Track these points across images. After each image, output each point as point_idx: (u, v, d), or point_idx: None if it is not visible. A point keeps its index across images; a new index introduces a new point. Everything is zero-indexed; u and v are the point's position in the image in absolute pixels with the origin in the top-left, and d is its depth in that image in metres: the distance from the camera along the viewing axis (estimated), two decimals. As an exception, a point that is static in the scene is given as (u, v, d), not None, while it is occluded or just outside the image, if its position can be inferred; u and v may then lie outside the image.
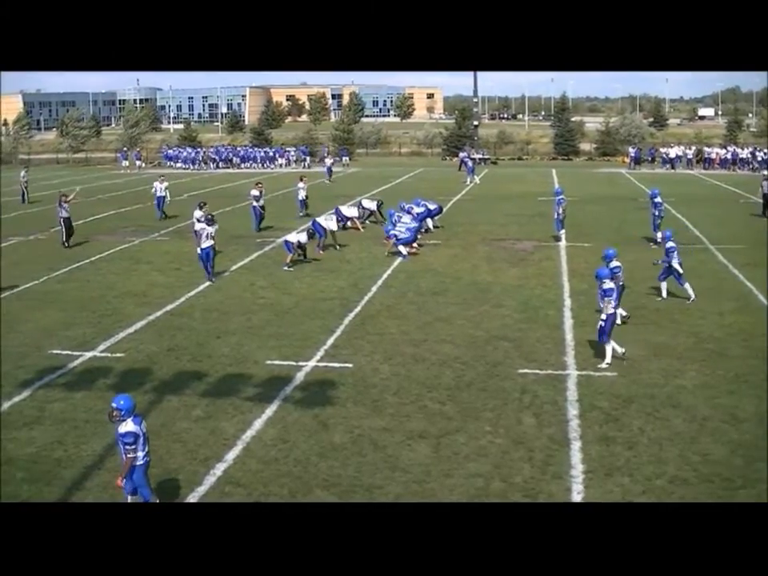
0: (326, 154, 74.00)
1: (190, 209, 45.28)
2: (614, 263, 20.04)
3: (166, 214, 41.67)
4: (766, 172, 40.24)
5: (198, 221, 28.92)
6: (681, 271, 22.61)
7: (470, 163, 63.05)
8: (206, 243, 25.77)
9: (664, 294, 22.92)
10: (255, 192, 36.96)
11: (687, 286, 22.71)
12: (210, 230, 26.02)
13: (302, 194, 41.31)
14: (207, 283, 25.64)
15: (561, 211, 32.50)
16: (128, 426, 11.36)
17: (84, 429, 14.84)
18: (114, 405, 11.56)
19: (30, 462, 13.52)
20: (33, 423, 15.13)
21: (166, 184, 42.61)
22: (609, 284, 17.74)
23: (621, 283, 19.54)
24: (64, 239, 33.69)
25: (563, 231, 32.86)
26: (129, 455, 11.33)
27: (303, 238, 28.30)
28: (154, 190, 42.66)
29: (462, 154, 73.37)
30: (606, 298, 17.59)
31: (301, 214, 40.67)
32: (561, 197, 32.76)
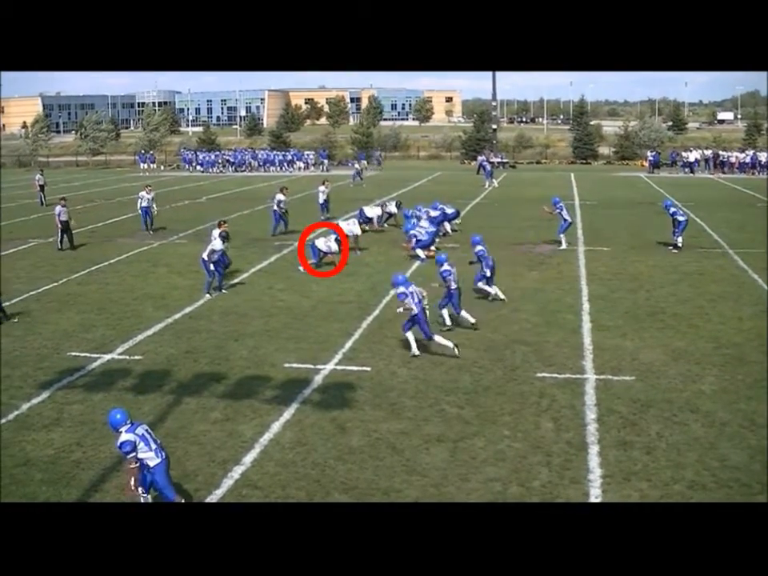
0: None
1: (208, 212, 45.52)
2: (479, 247, 23.42)
3: (153, 226, 38.67)
4: None
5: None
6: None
7: (488, 167, 63.06)
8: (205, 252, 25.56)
9: None
10: (281, 196, 36.61)
11: None
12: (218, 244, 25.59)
13: (321, 197, 41.11)
14: (226, 285, 25.67)
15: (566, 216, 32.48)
16: (122, 436, 11.43)
17: (102, 431, 14.83)
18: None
19: (49, 463, 13.57)
20: (51, 425, 15.19)
21: (153, 194, 39.16)
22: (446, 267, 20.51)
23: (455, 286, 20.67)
24: (59, 244, 33.91)
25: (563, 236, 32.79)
26: (130, 465, 11.42)
27: (334, 246, 28.52)
28: (139, 199, 39.05)
29: (480, 158, 73.27)
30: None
31: (322, 217, 40.51)
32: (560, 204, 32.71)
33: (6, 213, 47.64)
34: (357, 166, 66.45)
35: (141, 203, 38.63)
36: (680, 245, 30.53)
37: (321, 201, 41.29)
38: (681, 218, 31.38)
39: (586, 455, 13.39)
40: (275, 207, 36.59)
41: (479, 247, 23.35)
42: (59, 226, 34.01)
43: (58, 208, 34.34)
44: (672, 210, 31.97)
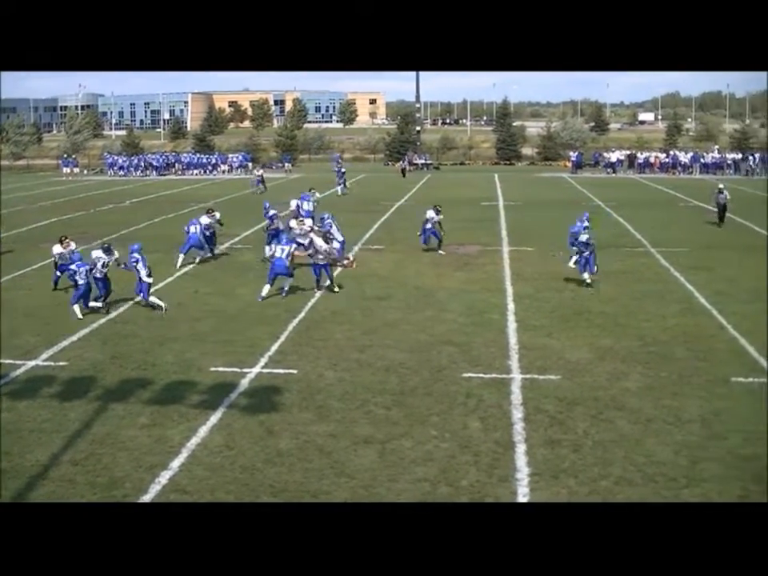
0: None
1: (133, 215, 45.16)
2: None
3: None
4: (721, 185, 40.37)
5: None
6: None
7: (341, 179, 59.48)
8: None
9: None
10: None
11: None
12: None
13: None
14: (152, 289, 25.45)
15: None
16: None
17: (28, 439, 14.69)
18: None
19: (-26, 473, 13.38)
20: (-25, 434, 14.98)
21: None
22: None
23: None
24: None
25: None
26: None
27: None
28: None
29: (400, 164, 73.71)
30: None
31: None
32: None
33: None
34: (256, 172, 64.43)
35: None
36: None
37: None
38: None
39: (514, 454, 13.51)
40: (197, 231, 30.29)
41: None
42: None
43: None
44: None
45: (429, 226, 31.77)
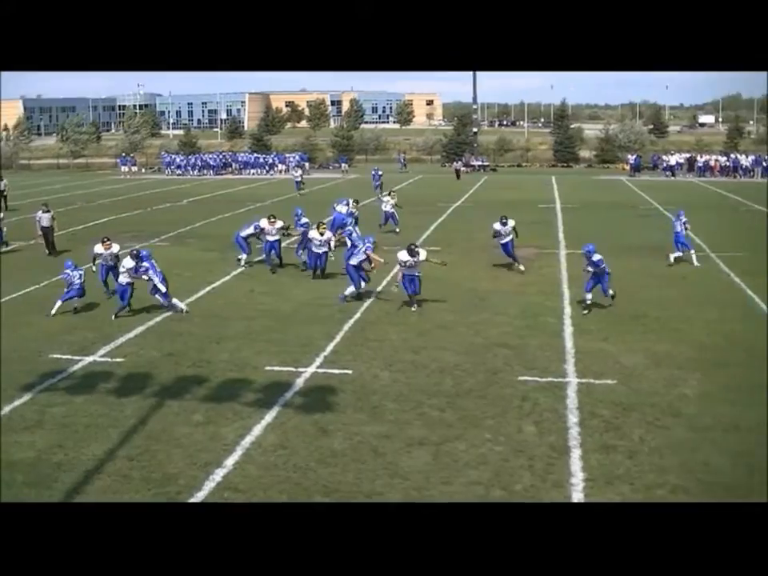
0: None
1: (189, 215, 45.48)
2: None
3: (55, 248, 33.92)
4: None
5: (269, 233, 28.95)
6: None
7: (377, 181, 57.18)
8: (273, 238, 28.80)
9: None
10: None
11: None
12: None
13: (387, 207, 38.01)
14: (208, 288, 25.67)
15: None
16: None
17: (84, 433, 14.83)
18: None
19: (31, 465, 13.51)
20: (34, 427, 15.13)
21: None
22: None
23: None
24: (47, 249, 33.57)
25: None
26: None
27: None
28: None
29: (455, 165, 73.26)
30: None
31: (382, 223, 38.00)
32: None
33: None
34: (294, 173, 63.78)
35: (42, 223, 34.05)
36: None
37: (386, 210, 38.04)
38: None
39: (568, 459, 13.39)
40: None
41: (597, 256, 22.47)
42: (39, 232, 33.73)
43: (39, 214, 33.99)
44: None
45: (503, 241, 28.43)
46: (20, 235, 36.38)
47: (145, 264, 22.75)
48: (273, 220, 28.74)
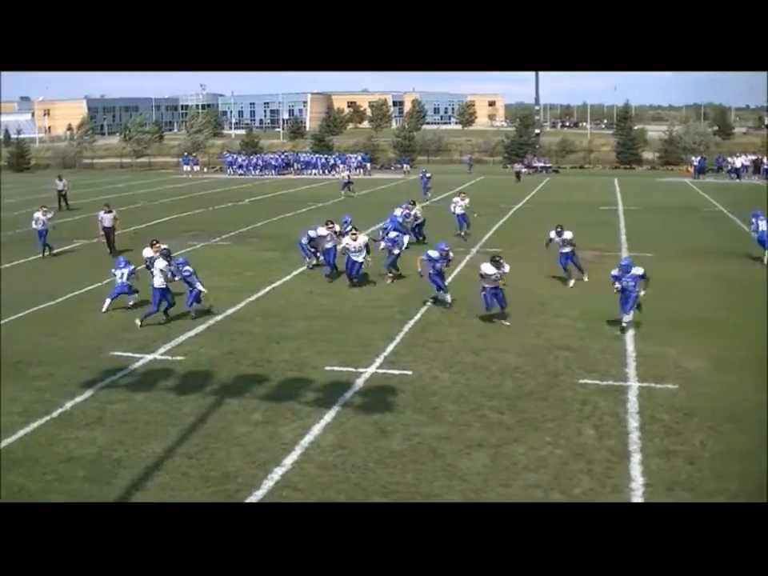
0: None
1: (251, 214, 45.72)
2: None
3: (51, 248, 33.80)
4: None
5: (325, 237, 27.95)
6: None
7: (427, 183, 55.41)
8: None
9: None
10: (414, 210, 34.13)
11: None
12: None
13: (458, 209, 36.72)
14: (268, 288, 25.72)
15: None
16: None
17: (144, 430, 14.96)
18: None
19: (92, 461, 13.66)
20: (94, 423, 15.30)
21: (50, 215, 34.61)
22: None
23: None
24: (108, 248, 33.53)
25: None
26: None
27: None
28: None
29: (515, 167, 72.82)
30: None
31: (459, 232, 36.43)
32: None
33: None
34: (343, 174, 62.78)
35: (37, 225, 33.72)
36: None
37: (457, 213, 36.89)
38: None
39: (628, 463, 13.27)
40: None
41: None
42: (102, 232, 33.85)
43: (101, 214, 34.09)
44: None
45: (563, 251, 26.98)
46: (82, 233, 36.81)
47: (187, 268, 22.58)
48: (330, 225, 27.92)
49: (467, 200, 37.18)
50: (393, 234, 27.89)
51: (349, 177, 60.64)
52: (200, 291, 22.51)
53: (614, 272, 20.77)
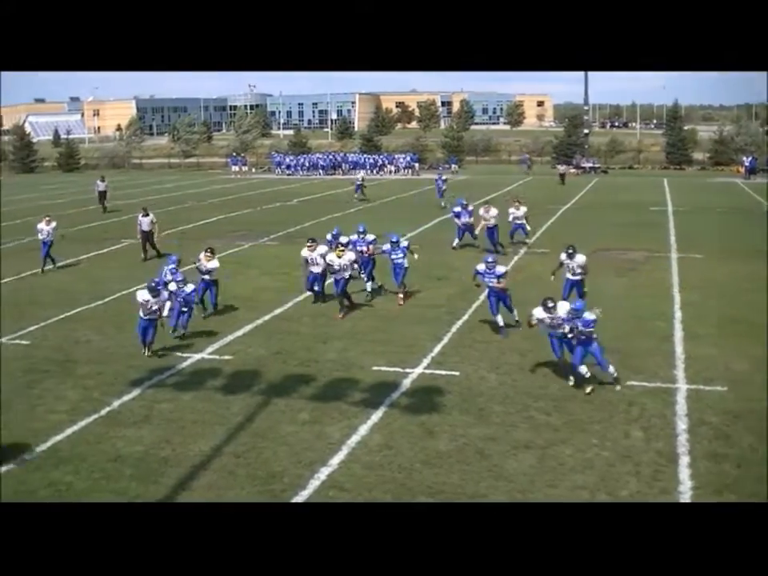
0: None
1: (299, 214, 45.87)
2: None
3: (54, 261, 31.37)
4: None
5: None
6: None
7: (442, 186, 51.61)
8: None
9: None
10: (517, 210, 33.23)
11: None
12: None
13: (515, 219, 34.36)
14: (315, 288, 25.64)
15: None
16: None
17: (191, 429, 15.06)
18: None
19: (139, 459, 13.78)
20: (141, 422, 15.42)
21: (54, 224, 31.61)
22: None
23: None
24: (143, 254, 32.97)
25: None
26: None
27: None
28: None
29: (561, 168, 72.13)
30: None
31: (526, 240, 34.97)
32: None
33: (99, 213, 49.11)
34: (359, 175, 60.80)
35: (43, 236, 31.16)
36: None
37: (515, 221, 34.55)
38: None
39: (676, 466, 13.17)
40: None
41: None
42: (139, 236, 33.23)
43: (139, 217, 33.44)
44: None
45: (572, 277, 22.98)
46: (130, 233, 36.79)
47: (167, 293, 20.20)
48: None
49: (524, 208, 34.62)
50: (404, 244, 25.16)
51: (363, 179, 58.66)
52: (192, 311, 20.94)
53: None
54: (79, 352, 19.90)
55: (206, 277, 23.02)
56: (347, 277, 23.21)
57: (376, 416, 15.51)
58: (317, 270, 24.16)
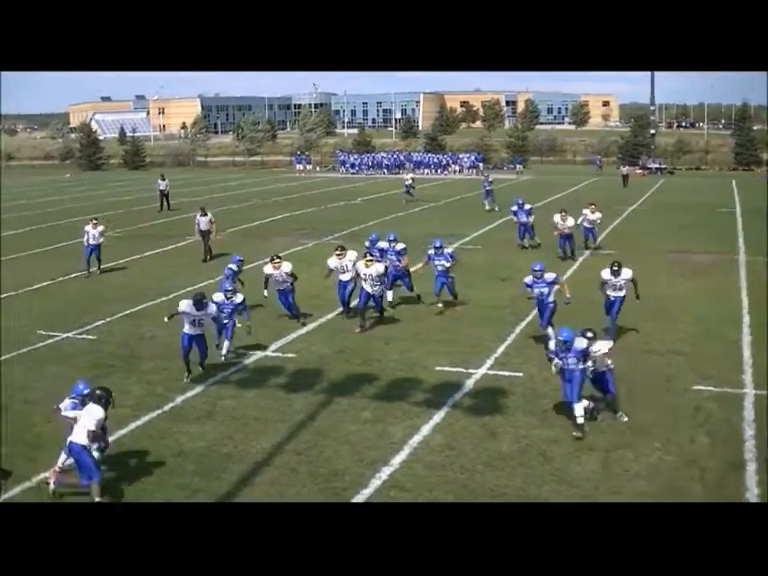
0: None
1: (363, 213, 45.94)
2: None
3: (99, 263, 30.50)
4: None
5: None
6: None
7: (488, 187, 49.78)
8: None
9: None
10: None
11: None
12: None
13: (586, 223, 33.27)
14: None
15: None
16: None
17: (254, 426, 15.12)
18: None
19: (202, 455, 13.87)
20: (205, 418, 15.52)
21: (101, 228, 30.26)
22: None
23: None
24: (203, 255, 32.74)
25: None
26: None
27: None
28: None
29: (623, 169, 70.73)
30: None
31: (593, 246, 33.88)
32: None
33: (165, 210, 49.56)
34: (406, 176, 59.27)
35: (89, 241, 29.95)
36: None
37: (585, 226, 33.49)
38: None
39: (743, 473, 12.94)
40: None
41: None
42: (199, 235, 33.16)
43: (198, 217, 33.49)
44: None
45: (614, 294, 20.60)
46: (193, 231, 36.96)
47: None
48: (277, 261, 22.36)
49: (598, 213, 33.42)
50: (449, 250, 24.24)
51: (413, 179, 56.97)
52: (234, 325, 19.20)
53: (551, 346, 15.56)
54: (144, 348, 20.08)
55: (283, 287, 22.09)
56: (372, 292, 21.67)
57: (438, 416, 15.46)
58: (346, 278, 22.74)
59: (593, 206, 33.42)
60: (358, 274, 22.04)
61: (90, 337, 21.11)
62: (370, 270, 21.52)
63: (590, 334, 15.28)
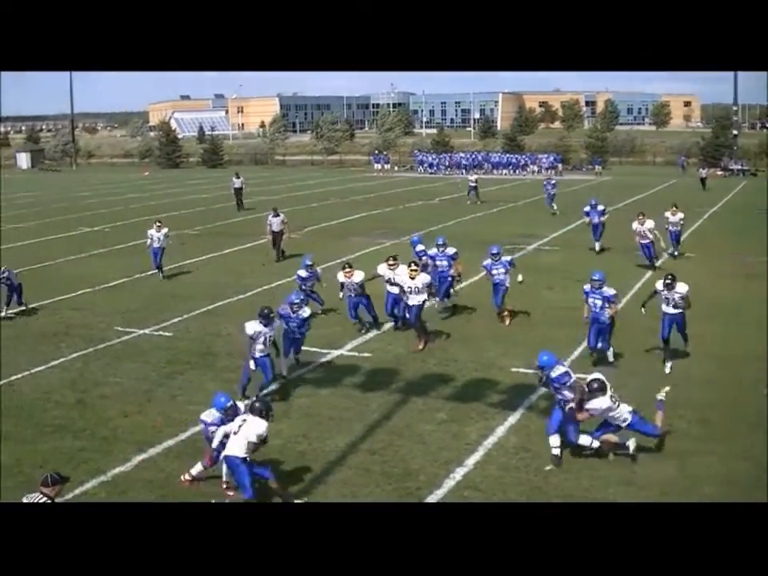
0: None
1: (441, 213, 45.91)
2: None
3: (283, 253, 32.71)
4: None
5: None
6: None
7: (551, 190, 48.25)
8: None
9: None
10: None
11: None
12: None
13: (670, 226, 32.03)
14: (456, 287, 25.21)
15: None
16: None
17: (328, 425, 15.24)
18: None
19: (277, 452, 13.97)
20: (280, 416, 15.56)
21: (165, 230, 29.62)
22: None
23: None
24: (274, 256, 32.68)
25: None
26: None
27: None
28: (149, 239, 29.49)
29: (701, 171, 69.05)
30: None
31: (671, 251, 32.36)
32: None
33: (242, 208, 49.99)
34: (470, 177, 57.30)
35: (153, 244, 29.33)
36: None
37: (670, 229, 32.19)
38: None
39: (827, 484, 12.75)
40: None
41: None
42: (270, 236, 33.18)
43: (270, 218, 33.35)
44: None
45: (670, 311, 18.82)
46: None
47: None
48: (348, 270, 21.60)
49: (681, 214, 32.08)
50: (507, 258, 22.75)
51: (477, 180, 55.98)
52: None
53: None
54: (220, 345, 20.31)
55: (353, 294, 21.52)
56: (421, 303, 20.33)
57: (513, 418, 15.48)
58: (395, 290, 21.19)
59: (674, 208, 32.35)
60: (402, 290, 20.54)
61: (167, 333, 21.43)
62: (416, 282, 20.20)
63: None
